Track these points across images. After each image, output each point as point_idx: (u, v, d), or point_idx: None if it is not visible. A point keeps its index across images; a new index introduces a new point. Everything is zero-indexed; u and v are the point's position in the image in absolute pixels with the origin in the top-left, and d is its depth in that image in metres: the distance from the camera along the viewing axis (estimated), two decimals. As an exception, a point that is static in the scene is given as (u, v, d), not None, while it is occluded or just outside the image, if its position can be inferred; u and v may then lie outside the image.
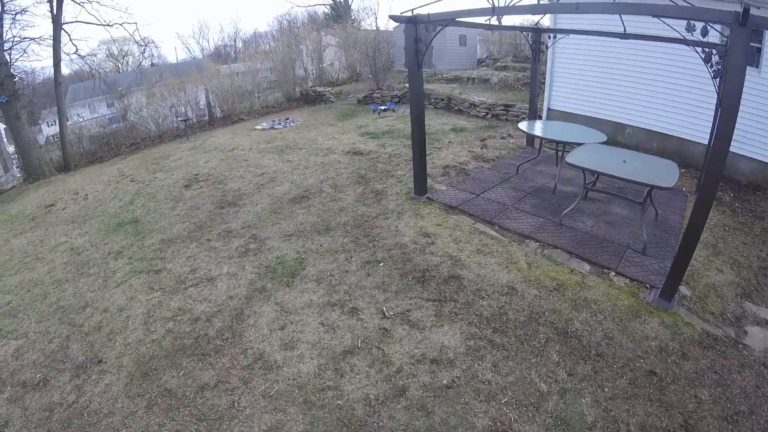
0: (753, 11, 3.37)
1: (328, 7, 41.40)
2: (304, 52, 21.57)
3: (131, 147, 15.43)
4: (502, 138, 10.84)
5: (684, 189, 7.53)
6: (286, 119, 15.28)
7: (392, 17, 6.29)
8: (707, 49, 3.93)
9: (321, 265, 5.35)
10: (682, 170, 8.24)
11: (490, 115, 13.04)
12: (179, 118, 15.71)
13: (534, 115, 9.85)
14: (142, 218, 7.67)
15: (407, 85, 16.24)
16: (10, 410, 3.77)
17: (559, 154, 7.84)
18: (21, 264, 6.78)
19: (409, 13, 6.01)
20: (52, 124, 35.94)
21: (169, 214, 7.59)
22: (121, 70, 44.93)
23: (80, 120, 24.84)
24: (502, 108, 12.85)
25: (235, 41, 66.40)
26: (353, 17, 34.97)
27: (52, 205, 9.78)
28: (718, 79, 3.80)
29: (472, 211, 6.59)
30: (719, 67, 3.78)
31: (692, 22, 3.78)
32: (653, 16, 3.96)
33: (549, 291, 4.68)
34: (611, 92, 9.99)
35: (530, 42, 9.21)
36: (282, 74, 19.37)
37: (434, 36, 6.15)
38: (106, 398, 3.72)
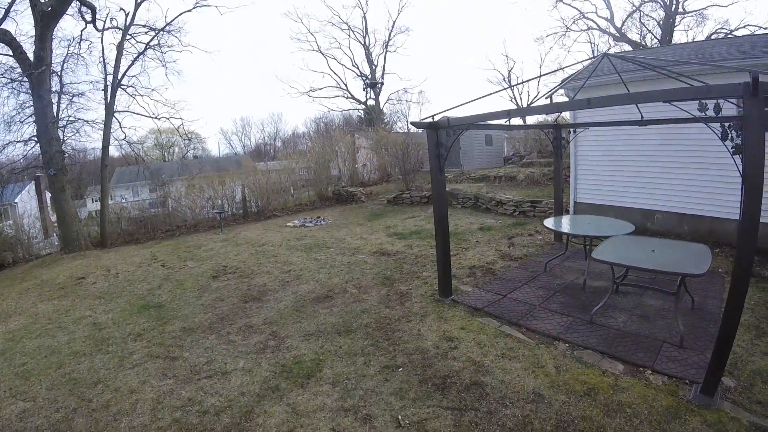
0: (763, 78, 3.29)
1: (362, 111, 43.85)
2: (338, 153, 22.49)
3: (167, 233, 15.98)
4: (529, 235, 10.78)
5: (720, 270, 7.21)
6: (318, 218, 15.65)
7: (414, 123, 6.56)
8: (724, 125, 3.82)
9: (338, 367, 5.19)
10: (717, 250, 8.00)
11: (517, 212, 13.08)
12: (215, 211, 16.30)
13: (560, 210, 9.78)
14: (167, 304, 7.78)
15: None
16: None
17: (587, 248, 7.70)
18: (43, 330, 7.02)
19: (429, 119, 6.25)
20: (95, 201, 37.64)
21: (193, 303, 7.65)
22: (166, 159, 47.57)
23: (123, 201, 25.99)
24: (529, 204, 12.90)
25: (275, 140, 70.22)
26: (386, 120, 36.78)
27: (83, 278, 10.15)
28: (738, 156, 3.66)
29: (497, 313, 6.38)
30: (738, 141, 3.67)
31: (704, 101, 3.74)
32: (664, 101, 3.94)
33: (579, 396, 4.36)
34: (636, 179, 9.91)
35: (551, 138, 9.41)
36: (316, 174, 20.13)
37: (455, 140, 6.34)
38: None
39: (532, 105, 5.96)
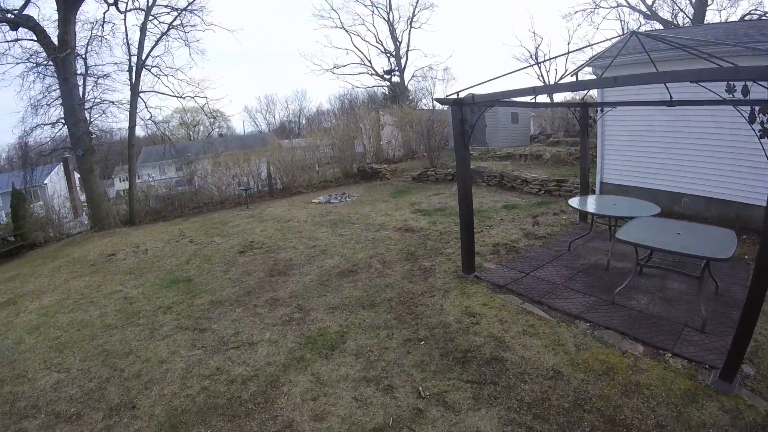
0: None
1: (387, 88, 43.51)
2: (362, 130, 22.48)
3: (194, 210, 16.33)
4: (554, 214, 10.71)
5: (746, 257, 7.08)
6: (343, 194, 15.76)
7: (438, 100, 6.54)
8: (753, 108, 3.71)
9: (362, 339, 5.32)
10: (744, 236, 7.85)
11: (542, 191, 12.97)
12: (241, 188, 16.57)
13: (586, 190, 9.67)
14: (195, 278, 8.02)
15: (461, 163, 16.67)
16: (39, 437, 3.90)
17: (612, 229, 7.65)
18: (75, 305, 7.33)
19: (454, 96, 6.24)
20: (123, 180, 38.41)
21: (221, 277, 7.87)
22: (192, 138, 48.16)
23: (150, 180, 26.56)
24: (555, 184, 12.78)
25: (299, 117, 70.12)
26: (410, 97, 36.48)
27: (113, 254, 10.50)
28: (765, 140, 3.57)
29: (520, 291, 6.40)
30: (767, 125, 3.58)
31: (731, 82, 3.65)
32: (691, 81, 3.85)
33: (598, 375, 4.39)
34: (664, 161, 9.69)
35: (578, 117, 9.27)
36: (341, 151, 20.17)
37: (479, 117, 6.32)
38: (135, 446, 3.79)
39: (558, 82, 5.78)
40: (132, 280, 8.32)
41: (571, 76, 7.00)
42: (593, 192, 11.34)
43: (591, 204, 7.92)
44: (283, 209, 14.09)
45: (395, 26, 37.82)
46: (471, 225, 6.96)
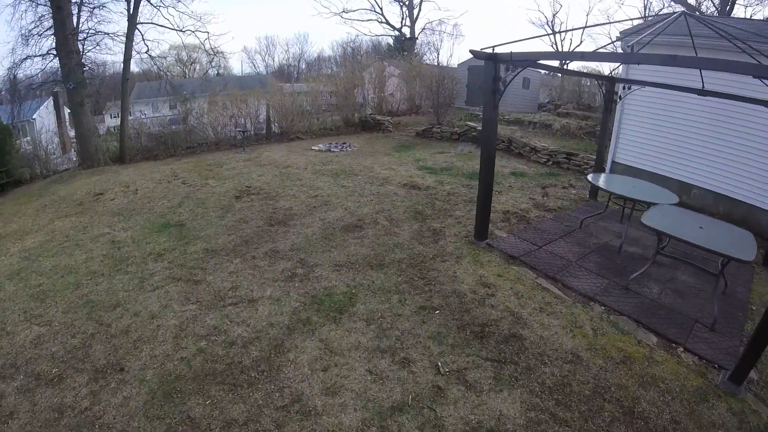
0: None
1: (392, 38, 42.12)
2: (366, 79, 21.68)
3: (187, 150, 15.70)
4: (563, 188, 10.36)
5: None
6: (343, 144, 15.22)
7: (473, 52, 6.00)
8: None
9: (372, 303, 4.98)
10: None
11: (551, 162, 12.56)
12: (238, 129, 15.87)
13: (600, 167, 9.41)
14: (188, 223, 7.57)
15: (468, 123, 16.24)
16: (18, 401, 3.58)
17: (627, 211, 7.44)
18: (59, 248, 6.80)
19: (489, 50, 5.71)
20: (114, 117, 37.41)
21: (216, 224, 7.44)
22: (187, 76, 46.69)
23: (143, 116, 25.66)
24: (564, 156, 12.35)
25: (299, 62, 68.17)
26: (415, 51, 35.21)
27: (101, 194, 9.94)
28: None
29: (534, 264, 6.15)
30: None
31: None
32: (754, 76, 3.54)
33: (616, 363, 4.19)
34: (680, 150, 9.42)
35: (603, 91, 8.84)
36: (343, 98, 19.44)
37: (514, 77, 5.83)
38: (122, 413, 3.44)
39: (599, 51, 5.34)
40: (121, 222, 7.82)
41: (611, 46, 6.52)
42: (603, 170, 11.04)
43: (611, 183, 7.55)
44: (281, 154, 13.54)
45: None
46: (490, 190, 6.59)
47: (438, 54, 35.05)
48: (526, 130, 16.30)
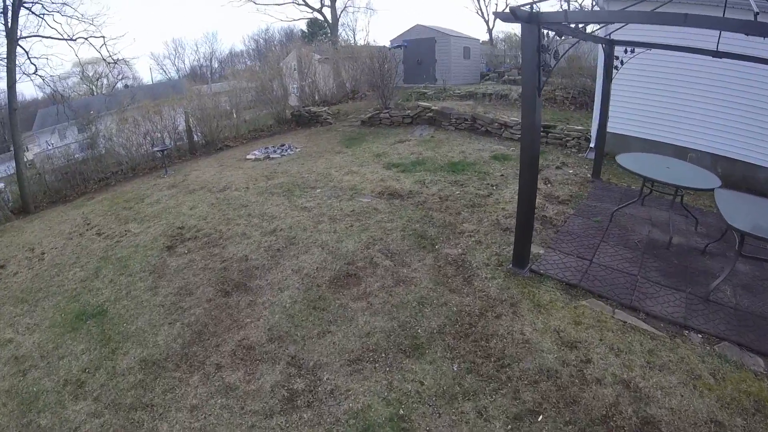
0: None
1: (306, 23, 39.36)
2: (292, 68, 19.39)
3: (100, 182, 12.99)
4: (557, 168, 8.84)
5: None
6: (282, 146, 13.03)
7: (499, 15, 4.15)
8: None
9: (440, 428, 3.12)
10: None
11: (526, 138, 11.01)
12: (155, 148, 13.28)
13: (602, 141, 8.15)
14: (110, 307, 5.38)
15: (420, 103, 14.38)
16: None
17: (682, 199, 6.19)
18: None
19: (527, 8, 3.87)
20: (28, 149, 33.18)
21: (148, 302, 5.29)
22: (95, 93, 42.36)
23: (49, 148, 22.24)
24: (541, 130, 10.80)
25: (211, 61, 64.54)
26: (339, 33, 32.62)
27: (1, 267, 7.49)
28: None
29: (600, 290, 4.67)
30: None
31: None
32: None
33: (751, 415, 3.18)
34: (674, 113, 8.73)
35: (605, 55, 7.34)
36: (269, 92, 17.15)
37: (569, 50, 4.03)
38: None
39: (629, 9, 3.76)
40: (26, 315, 5.54)
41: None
42: (588, 141, 9.85)
43: (642, 165, 6.19)
44: (212, 172, 11.23)
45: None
46: (533, 205, 4.85)
47: (354, 34, 32.50)
48: (482, 103, 14.68)
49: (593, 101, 12.14)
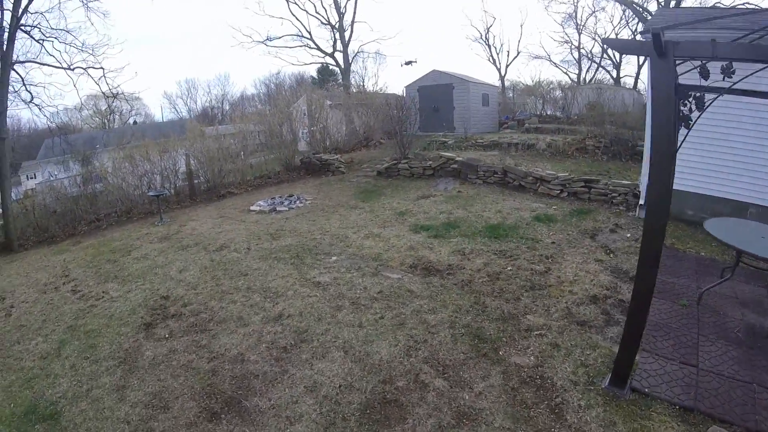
0: None
1: (317, 69, 38.86)
2: (302, 113, 18.44)
3: (91, 225, 11.79)
4: (611, 231, 7.56)
5: None
6: (290, 196, 11.82)
7: (607, 41, 2.95)
8: None
9: None
10: None
11: (566, 194, 9.74)
12: (150, 193, 12.03)
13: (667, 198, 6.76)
14: (65, 409, 4.08)
15: (443, 154, 13.20)
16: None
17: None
18: None
19: (656, 34, 2.64)
20: (32, 177, 32.75)
21: (111, 413, 3.93)
22: (107, 127, 41.90)
23: (52, 178, 21.30)
24: (582, 185, 9.58)
25: (222, 103, 65.17)
26: (351, 78, 31.89)
27: None
28: None
29: (720, 413, 3.44)
30: None
31: None
32: None
33: None
34: (734, 163, 7.55)
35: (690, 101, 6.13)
36: (278, 137, 16.11)
37: (723, 92, 2.80)
38: None
39: None
40: None
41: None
42: (636, 197, 8.80)
43: (739, 235, 5.04)
44: (210, 224, 9.96)
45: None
46: (649, 301, 3.50)
47: (363, 80, 31.69)
48: (508, 153, 13.52)
49: (628, 152, 11.41)
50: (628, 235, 7.38)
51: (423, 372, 4.03)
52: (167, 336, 5.09)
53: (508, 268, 6.03)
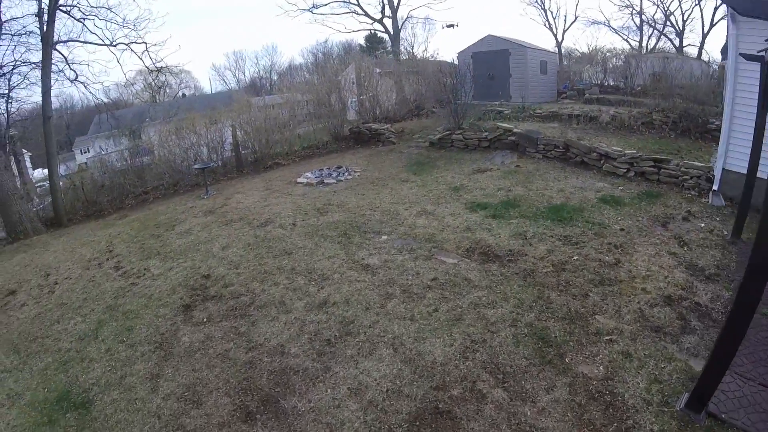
0: None
1: (365, 37, 37.93)
2: (351, 81, 17.91)
3: (138, 198, 11.89)
4: (684, 219, 6.76)
5: None
6: (338, 168, 11.44)
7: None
8: None
9: None
10: None
11: (632, 173, 8.91)
12: (196, 166, 11.89)
13: (748, 190, 5.96)
14: (97, 398, 3.91)
15: (500, 125, 12.45)
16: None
17: None
18: None
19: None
20: (85, 152, 33.61)
21: (142, 404, 3.76)
22: (157, 101, 42.63)
23: (102, 152, 21.85)
24: (652, 164, 8.69)
25: (270, 73, 64.79)
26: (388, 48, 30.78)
27: (12, 293, 6.64)
28: None
29: None
30: None
31: None
32: None
33: None
34: None
35: (762, 76, 5.35)
36: (326, 106, 15.69)
37: None
38: None
39: None
40: (13, 373, 4.53)
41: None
42: (709, 181, 7.83)
43: None
44: (256, 196, 9.73)
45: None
46: (750, 317, 2.94)
47: (413, 47, 30.51)
48: (569, 126, 12.61)
49: (698, 129, 10.81)
50: (702, 225, 6.59)
51: (481, 379, 3.59)
52: (205, 320, 4.85)
53: (575, 258, 5.44)
